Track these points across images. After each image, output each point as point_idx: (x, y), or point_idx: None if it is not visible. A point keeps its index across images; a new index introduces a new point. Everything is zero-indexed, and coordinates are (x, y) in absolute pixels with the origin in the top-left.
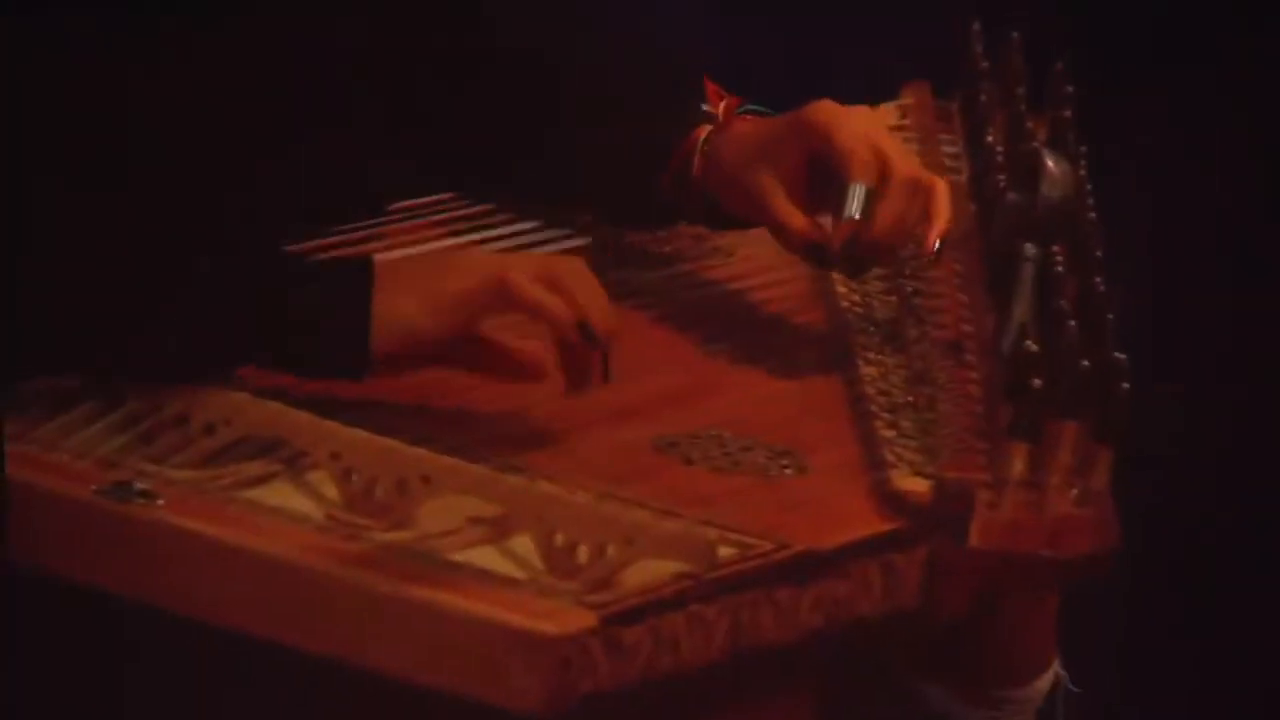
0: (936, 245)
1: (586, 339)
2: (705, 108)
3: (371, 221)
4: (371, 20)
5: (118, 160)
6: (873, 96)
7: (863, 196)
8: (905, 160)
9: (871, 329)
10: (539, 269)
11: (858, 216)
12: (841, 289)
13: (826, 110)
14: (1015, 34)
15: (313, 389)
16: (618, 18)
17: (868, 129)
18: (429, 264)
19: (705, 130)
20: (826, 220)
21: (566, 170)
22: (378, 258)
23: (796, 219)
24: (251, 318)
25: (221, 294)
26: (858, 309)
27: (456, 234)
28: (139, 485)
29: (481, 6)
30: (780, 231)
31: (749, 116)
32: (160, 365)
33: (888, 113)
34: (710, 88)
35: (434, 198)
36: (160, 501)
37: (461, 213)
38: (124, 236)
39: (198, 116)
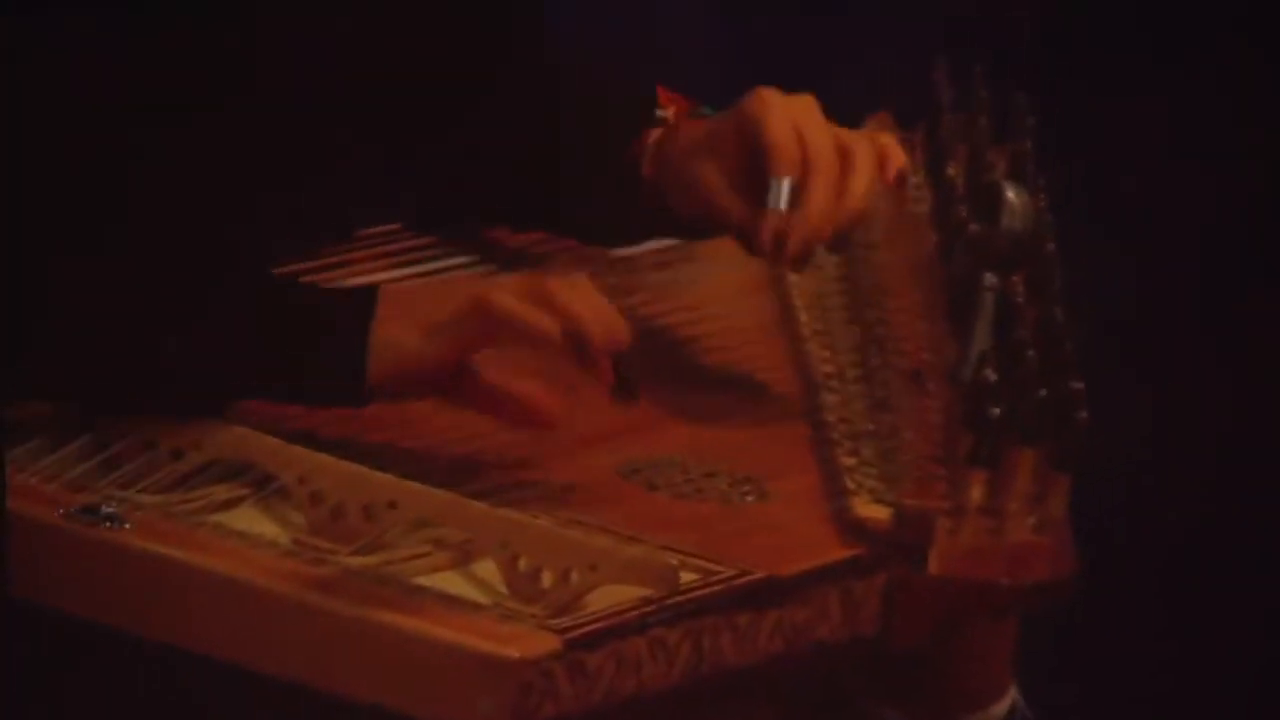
0: (842, 226)
1: (580, 350)
2: (658, 113)
3: (337, 248)
4: (348, 49)
5: (115, 193)
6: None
7: (785, 190)
8: (827, 147)
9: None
10: (527, 284)
11: (781, 208)
12: (804, 317)
13: (759, 101)
14: (977, 66)
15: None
16: (565, 36)
17: (797, 117)
18: (435, 291)
19: (656, 134)
20: None
21: (528, 192)
22: (387, 287)
23: (735, 207)
24: (252, 348)
25: (222, 324)
26: (820, 336)
27: (401, 265)
28: (106, 509)
29: (440, 36)
30: (721, 221)
31: (698, 120)
32: (159, 400)
33: None
34: (663, 93)
35: (382, 228)
36: (128, 525)
37: (408, 244)
38: (122, 269)
39: (193, 149)
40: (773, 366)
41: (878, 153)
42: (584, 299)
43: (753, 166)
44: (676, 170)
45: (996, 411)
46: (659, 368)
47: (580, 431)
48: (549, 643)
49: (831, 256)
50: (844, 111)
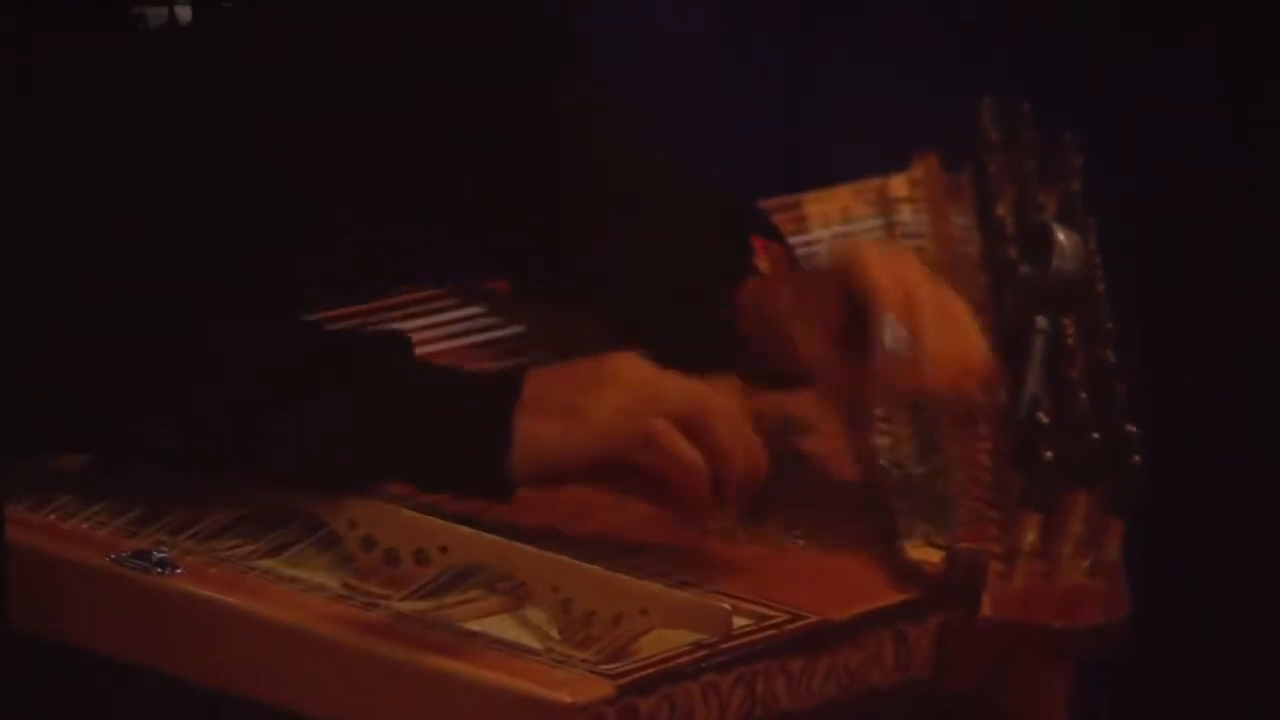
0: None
1: (726, 492)
2: (754, 262)
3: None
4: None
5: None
6: (882, 169)
7: (896, 328)
8: (931, 293)
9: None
10: (686, 407)
11: (894, 348)
12: None
13: (858, 249)
14: (1025, 105)
15: None
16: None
17: (898, 265)
18: (580, 378)
19: (752, 285)
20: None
21: (621, 292)
22: (533, 371)
23: (823, 358)
24: (391, 434)
25: (358, 411)
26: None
27: (411, 316)
28: (158, 554)
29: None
30: (820, 381)
31: (794, 272)
32: (294, 481)
33: (898, 185)
34: (760, 245)
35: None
36: (179, 570)
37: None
38: (258, 350)
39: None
40: (822, 409)
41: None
42: (736, 431)
43: (849, 327)
44: (772, 327)
45: (1049, 454)
46: None
47: None
48: (601, 688)
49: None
50: (891, 154)
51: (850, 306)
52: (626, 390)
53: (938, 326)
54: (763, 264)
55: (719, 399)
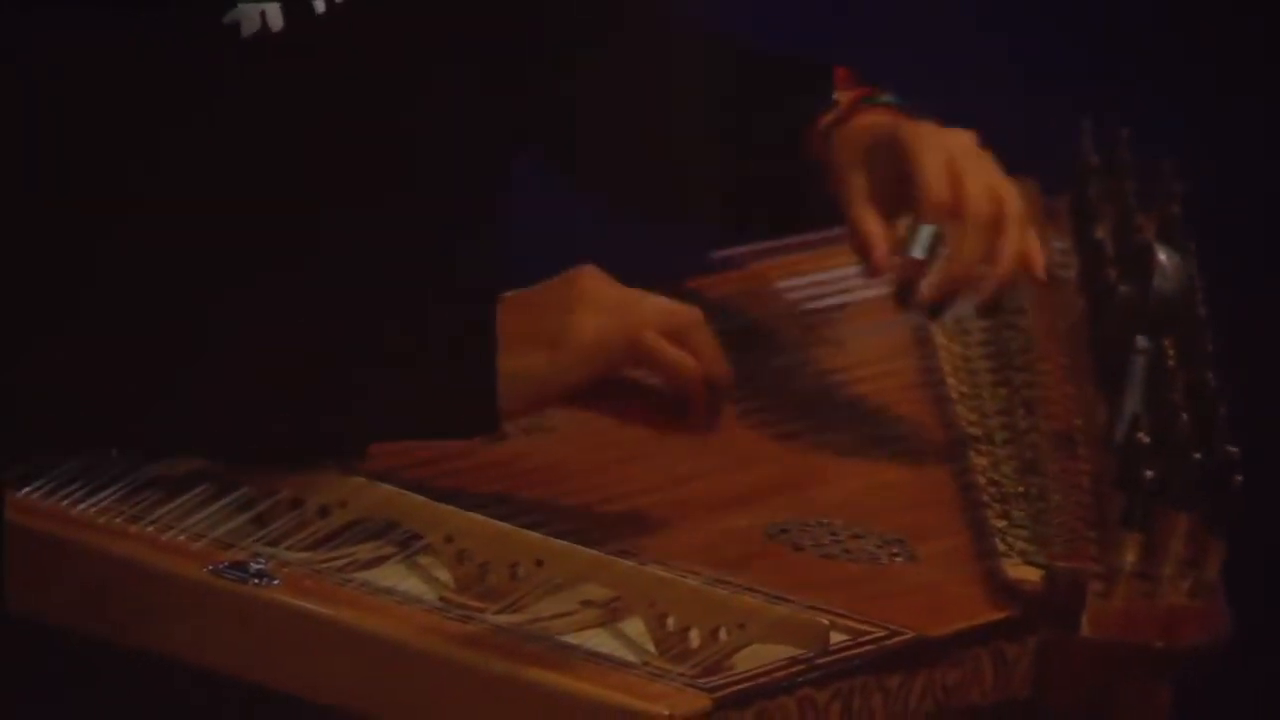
0: (990, 294)
1: (715, 395)
2: (836, 96)
3: None
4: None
5: (247, 233)
6: None
7: (928, 238)
8: (982, 199)
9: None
10: (667, 322)
11: (919, 257)
12: (951, 380)
13: (918, 133)
14: (1125, 130)
15: (419, 474)
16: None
17: (955, 159)
18: (555, 303)
19: (829, 118)
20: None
21: (687, 169)
22: (503, 301)
23: (868, 225)
24: (377, 392)
25: (347, 371)
26: (968, 399)
27: None
28: (255, 565)
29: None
30: (851, 235)
31: (873, 110)
32: (287, 450)
33: None
34: (841, 73)
35: None
36: (276, 582)
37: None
38: (253, 311)
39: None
40: (920, 429)
41: (1028, 218)
42: (711, 341)
43: (902, 191)
44: (834, 164)
45: (1149, 474)
46: (807, 428)
47: (726, 491)
48: (698, 701)
49: (978, 322)
50: None
51: (902, 177)
52: (603, 310)
53: (977, 238)
54: (843, 97)
55: (687, 311)
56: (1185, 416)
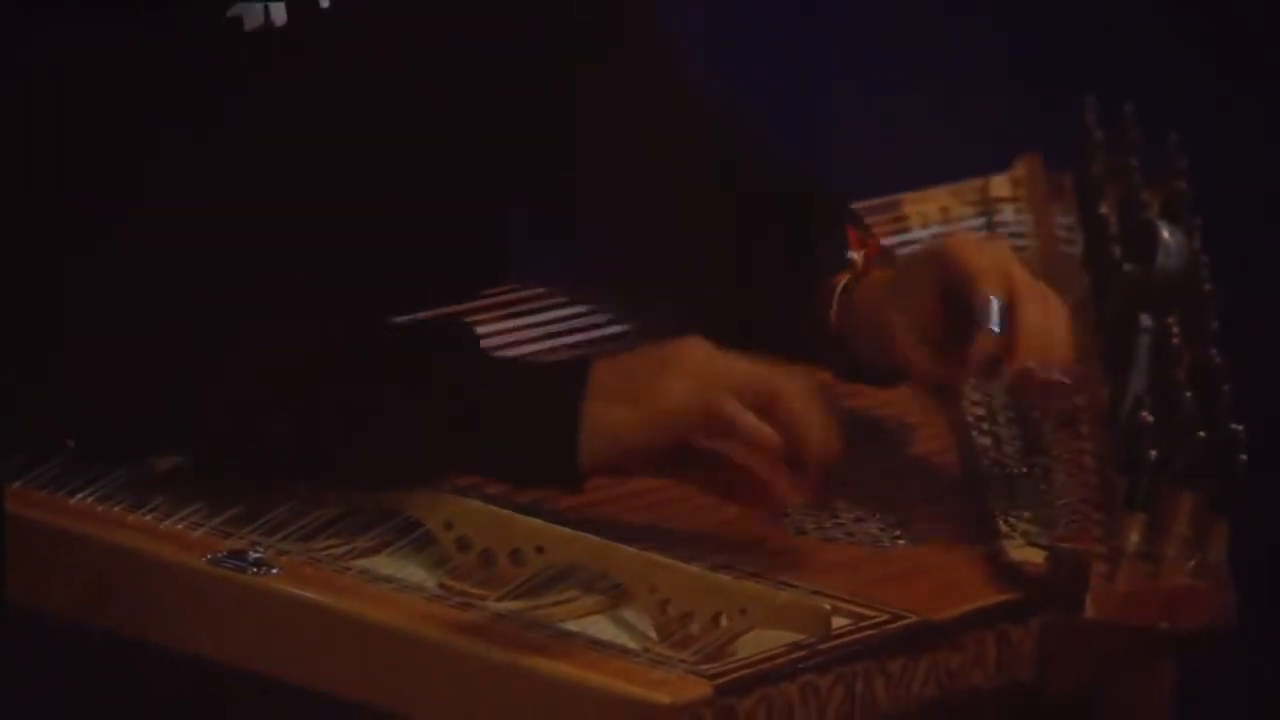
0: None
1: (793, 463)
2: (848, 254)
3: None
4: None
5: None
6: (984, 169)
7: (998, 309)
8: (1030, 279)
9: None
10: (753, 387)
11: (996, 329)
12: None
13: (958, 238)
14: (1128, 105)
15: None
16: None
17: (997, 252)
18: (646, 365)
19: (844, 278)
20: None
21: (705, 287)
22: (600, 359)
23: (920, 355)
24: (458, 426)
25: (424, 403)
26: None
27: (514, 315)
28: (254, 555)
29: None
30: (913, 372)
31: (883, 268)
32: (363, 477)
33: (1000, 185)
34: (850, 234)
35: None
36: (275, 570)
37: (515, 295)
38: (316, 347)
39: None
40: (923, 409)
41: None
42: (808, 408)
43: (945, 318)
44: (864, 321)
45: (1153, 454)
46: None
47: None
48: (699, 688)
49: None
50: (993, 154)
51: (948, 296)
52: (692, 373)
53: (1037, 308)
54: (857, 256)
55: (788, 378)
56: (1189, 395)
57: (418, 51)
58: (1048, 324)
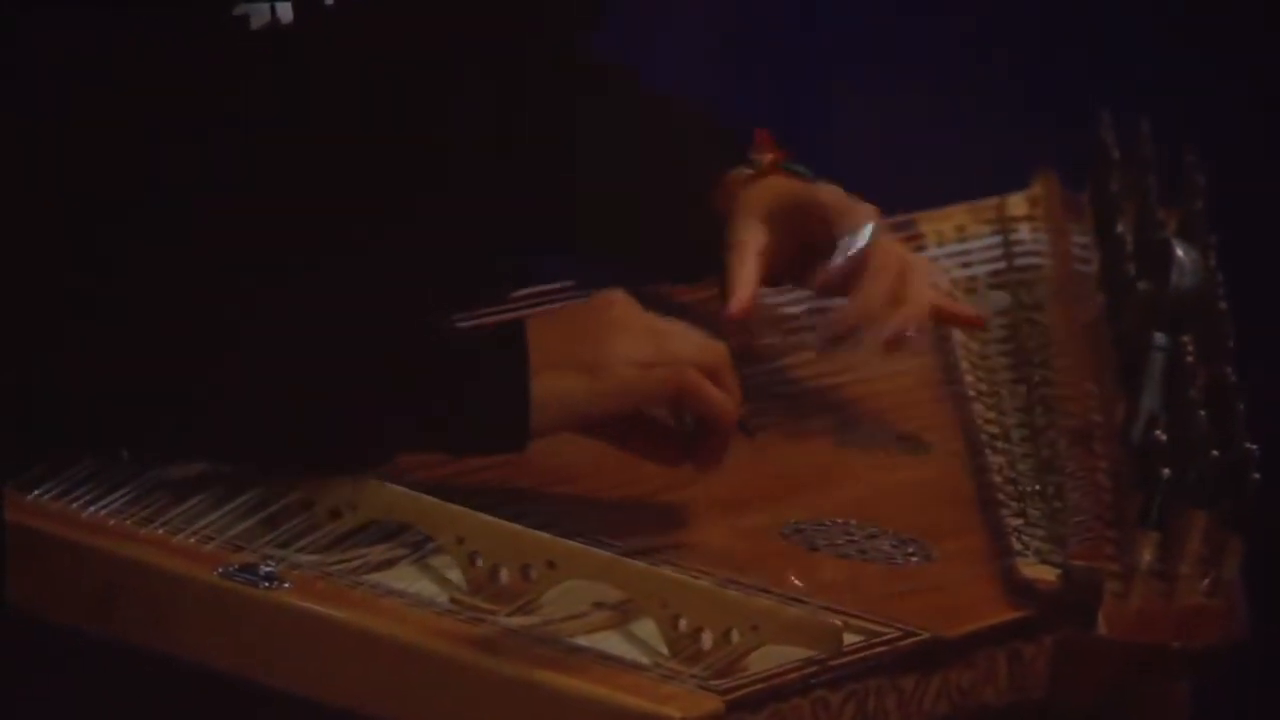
0: (897, 333)
1: (745, 435)
2: (752, 155)
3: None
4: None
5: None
6: (1002, 187)
7: (858, 242)
8: (890, 253)
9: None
10: (706, 360)
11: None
12: (969, 377)
13: (835, 193)
14: (1145, 122)
15: (431, 475)
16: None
17: (867, 220)
18: (586, 327)
19: (743, 175)
20: None
21: (606, 221)
22: (531, 323)
23: (745, 271)
24: (404, 403)
25: (373, 380)
26: (985, 397)
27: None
28: (265, 568)
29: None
30: (725, 275)
31: (786, 175)
32: (313, 457)
33: (1017, 203)
34: (764, 138)
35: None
36: (286, 585)
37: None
38: (275, 321)
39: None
40: (937, 427)
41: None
42: (736, 381)
43: (796, 256)
44: (735, 215)
45: (1167, 472)
46: (822, 428)
47: (740, 492)
48: (710, 703)
49: (997, 318)
50: (1011, 174)
51: (802, 235)
52: (637, 340)
53: (890, 263)
54: (764, 159)
55: (719, 349)
56: (1203, 414)
57: (423, 44)
58: (883, 296)
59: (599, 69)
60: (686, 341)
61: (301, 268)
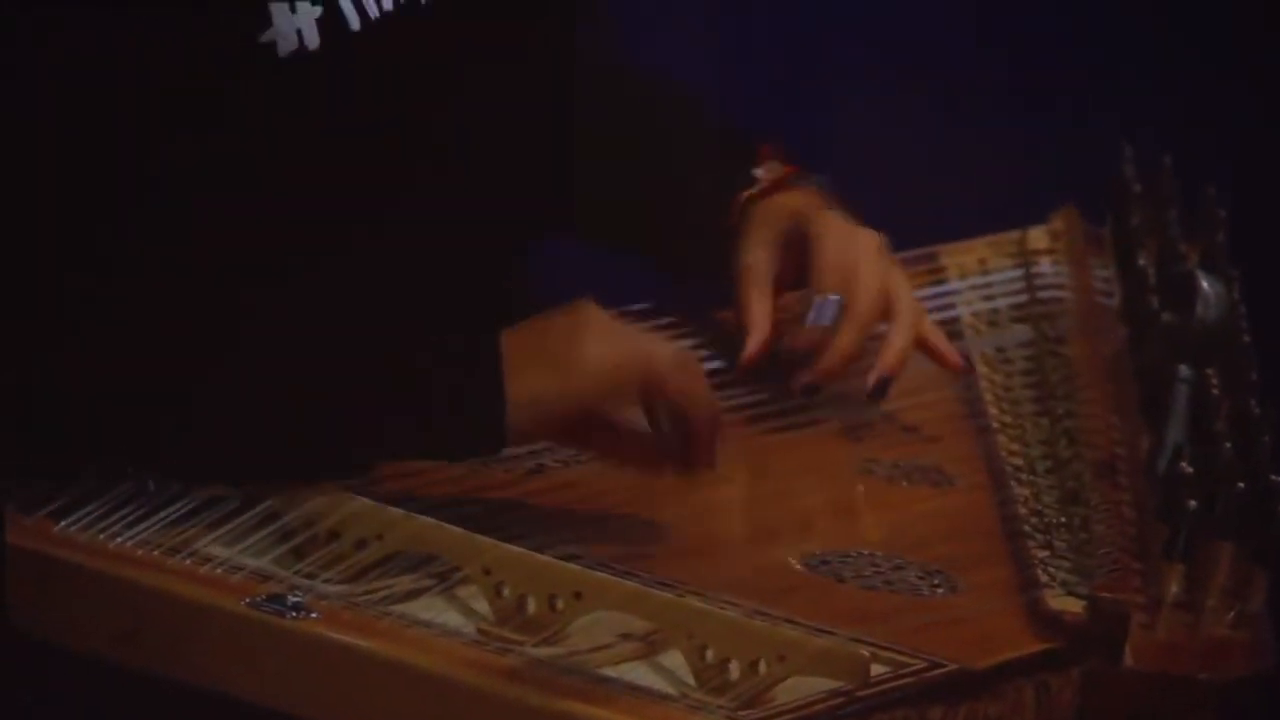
0: (875, 383)
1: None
2: (756, 172)
3: None
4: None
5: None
6: (1023, 221)
7: (829, 311)
8: (874, 289)
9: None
10: (678, 362)
11: (820, 324)
12: (993, 410)
13: (826, 223)
14: (1167, 156)
15: (449, 492)
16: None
17: (855, 252)
18: (556, 331)
19: (749, 192)
20: None
21: (624, 216)
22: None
23: (756, 307)
24: (381, 411)
25: (350, 388)
26: (1010, 429)
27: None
28: (292, 599)
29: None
30: (738, 311)
31: (796, 190)
32: (292, 467)
33: (1038, 237)
34: (770, 152)
35: None
36: (314, 615)
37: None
38: (257, 334)
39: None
40: (961, 459)
41: (922, 322)
42: (705, 381)
43: (801, 278)
44: (745, 236)
45: (1193, 504)
46: (845, 459)
47: (766, 522)
48: None
49: (1020, 351)
50: (1032, 207)
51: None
52: (606, 340)
53: (855, 329)
54: (764, 173)
55: (693, 355)
56: (1228, 446)
57: (449, 67)
58: (859, 343)
59: (627, 71)
60: (656, 342)
61: (301, 269)
